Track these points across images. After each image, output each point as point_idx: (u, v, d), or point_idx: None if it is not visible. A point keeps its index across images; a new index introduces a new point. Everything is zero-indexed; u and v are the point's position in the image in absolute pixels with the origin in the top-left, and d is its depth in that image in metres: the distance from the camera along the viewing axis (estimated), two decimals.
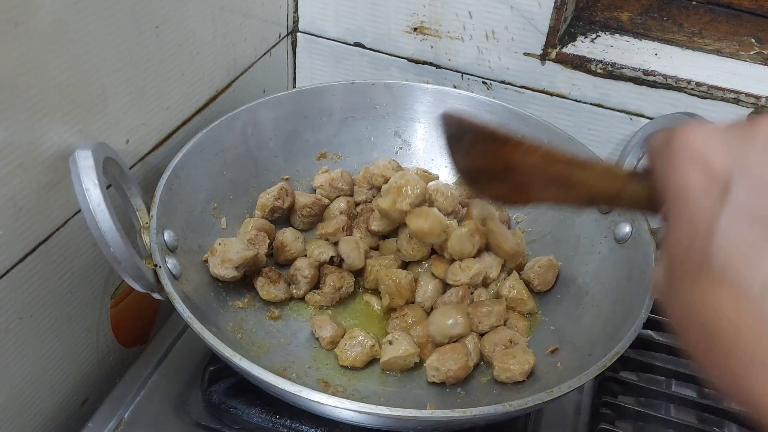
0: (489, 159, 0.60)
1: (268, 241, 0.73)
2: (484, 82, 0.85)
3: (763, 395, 0.28)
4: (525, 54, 0.81)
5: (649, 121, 0.77)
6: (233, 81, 0.80)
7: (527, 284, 0.72)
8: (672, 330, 0.32)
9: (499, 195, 0.62)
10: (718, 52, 0.80)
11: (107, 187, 0.54)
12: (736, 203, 0.29)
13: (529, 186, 0.57)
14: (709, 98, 0.76)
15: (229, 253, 0.65)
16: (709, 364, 0.30)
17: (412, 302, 0.71)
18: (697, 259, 0.30)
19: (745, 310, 0.28)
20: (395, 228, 0.75)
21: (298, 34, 0.90)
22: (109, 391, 0.68)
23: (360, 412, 0.49)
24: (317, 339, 0.68)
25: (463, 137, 0.63)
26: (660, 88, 0.77)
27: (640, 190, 0.43)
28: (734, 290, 0.29)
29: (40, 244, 0.58)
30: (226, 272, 0.65)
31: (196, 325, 0.53)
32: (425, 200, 0.72)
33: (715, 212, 0.30)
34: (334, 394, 0.50)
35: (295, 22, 0.89)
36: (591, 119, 0.82)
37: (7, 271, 0.56)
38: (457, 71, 0.85)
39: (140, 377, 0.69)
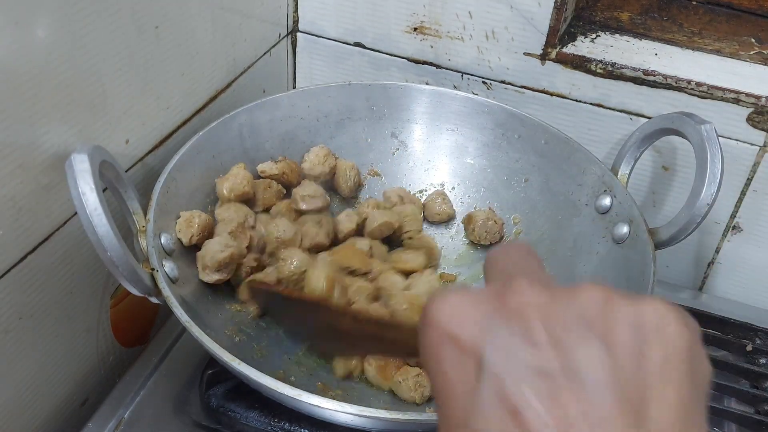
0: (309, 321, 0.58)
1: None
2: (484, 82, 0.85)
3: None
4: (525, 54, 0.81)
5: (647, 120, 0.77)
6: (233, 81, 0.80)
7: None
8: None
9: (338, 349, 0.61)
10: (718, 52, 0.80)
11: (103, 191, 0.54)
12: (488, 390, 0.26)
13: (353, 344, 0.55)
14: (709, 98, 0.76)
15: (205, 259, 0.64)
16: None
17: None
18: None
19: None
20: None
21: (298, 34, 0.90)
22: (109, 391, 0.68)
23: (359, 415, 0.49)
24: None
25: (277, 306, 0.62)
26: (660, 88, 0.77)
27: None
28: None
29: (40, 244, 0.58)
30: (210, 278, 0.64)
31: (195, 330, 0.53)
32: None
33: (470, 401, 0.27)
34: (333, 398, 0.50)
35: (295, 22, 0.89)
36: (591, 119, 0.82)
37: (7, 271, 0.56)
38: (457, 71, 0.85)
39: (140, 377, 0.69)
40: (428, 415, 0.50)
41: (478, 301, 0.29)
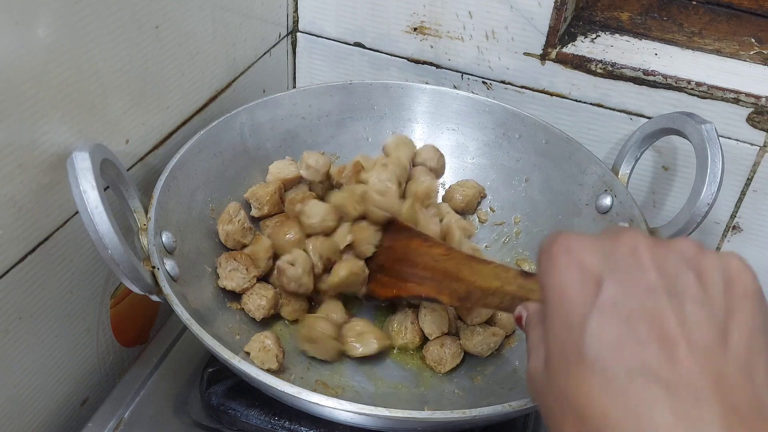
0: (383, 249, 0.66)
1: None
2: (484, 82, 0.85)
3: None
4: (525, 54, 0.81)
5: (648, 120, 0.77)
6: (233, 81, 0.80)
7: None
8: (546, 421, 0.36)
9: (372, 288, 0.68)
10: (718, 52, 0.80)
11: (105, 189, 0.54)
12: (606, 300, 0.34)
13: (406, 279, 0.64)
14: (709, 98, 0.76)
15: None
16: None
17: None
18: (572, 350, 0.34)
19: (614, 396, 0.31)
20: None
21: (298, 34, 0.90)
22: (109, 391, 0.68)
23: (359, 413, 0.49)
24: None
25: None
26: (660, 88, 0.77)
27: (518, 289, 0.49)
28: (604, 378, 0.32)
29: (40, 244, 0.58)
30: None
31: (195, 328, 0.53)
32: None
33: (587, 307, 0.34)
34: (333, 396, 0.50)
35: (295, 22, 0.89)
36: (591, 119, 0.82)
37: (7, 271, 0.56)
38: (457, 71, 0.85)
39: (140, 377, 0.69)
40: (428, 414, 0.50)
41: (599, 239, 0.37)
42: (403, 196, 0.74)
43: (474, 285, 0.52)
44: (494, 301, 0.51)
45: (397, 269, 0.63)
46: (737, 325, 0.33)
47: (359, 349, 0.66)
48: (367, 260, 0.68)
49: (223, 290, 0.67)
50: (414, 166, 0.79)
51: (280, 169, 0.77)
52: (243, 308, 0.67)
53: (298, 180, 0.77)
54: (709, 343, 0.32)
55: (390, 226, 0.68)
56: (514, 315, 0.45)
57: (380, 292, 0.67)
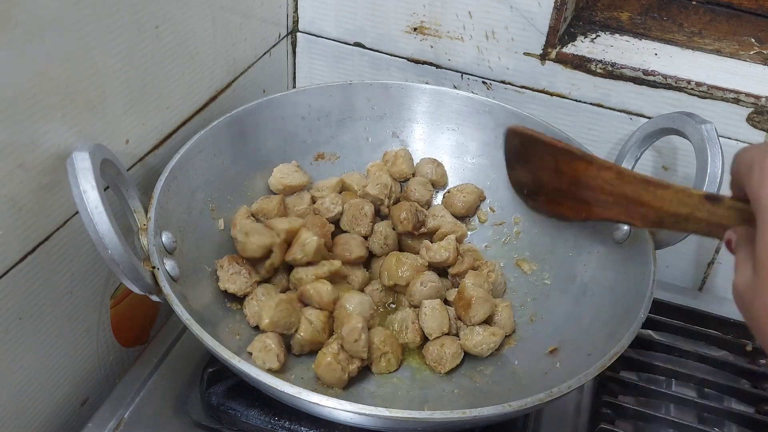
0: (555, 173, 0.62)
1: None
2: (484, 82, 0.85)
3: None
4: (525, 54, 0.81)
5: (648, 120, 0.77)
6: (233, 81, 0.80)
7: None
8: (752, 329, 0.38)
9: (556, 211, 0.65)
10: (718, 52, 0.80)
11: (105, 189, 0.54)
12: None
13: (590, 203, 0.60)
14: (709, 98, 0.76)
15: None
16: None
17: None
18: None
19: None
20: None
21: (298, 34, 0.90)
22: (109, 391, 0.68)
23: (359, 413, 0.49)
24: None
25: (528, 150, 0.65)
26: (660, 88, 0.77)
27: (710, 215, 0.47)
28: None
29: (40, 244, 0.58)
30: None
31: (195, 328, 0.53)
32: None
33: None
34: (333, 396, 0.50)
35: (295, 22, 0.89)
36: (591, 119, 0.82)
37: (7, 271, 0.56)
38: (457, 71, 0.85)
39: (140, 377, 0.69)
40: (428, 414, 0.50)
41: None
42: (387, 213, 0.78)
43: (662, 211, 0.52)
44: (689, 227, 0.51)
45: (576, 192, 0.62)
46: None
47: (383, 367, 0.66)
48: (542, 186, 0.67)
49: (224, 291, 0.67)
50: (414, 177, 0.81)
51: (285, 174, 0.77)
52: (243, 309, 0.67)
53: (302, 188, 0.78)
54: None
55: (541, 147, 0.66)
56: (723, 239, 0.45)
57: (570, 214, 0.65)
